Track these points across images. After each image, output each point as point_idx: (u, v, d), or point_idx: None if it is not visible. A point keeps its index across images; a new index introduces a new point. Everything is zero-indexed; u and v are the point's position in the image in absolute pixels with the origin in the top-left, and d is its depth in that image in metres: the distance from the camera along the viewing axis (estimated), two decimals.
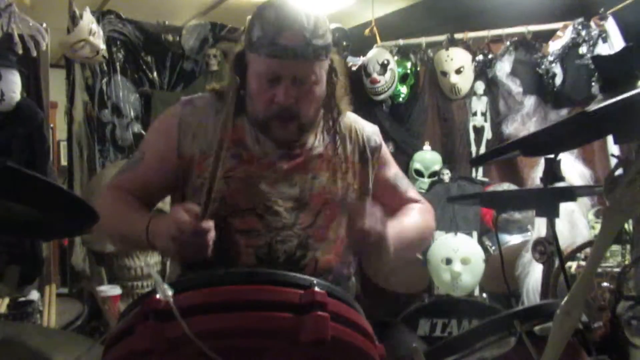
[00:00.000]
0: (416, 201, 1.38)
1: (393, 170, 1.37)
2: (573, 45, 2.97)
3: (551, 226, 1.53)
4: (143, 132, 3.14)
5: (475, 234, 2.70)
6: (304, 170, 1.19)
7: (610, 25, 2.87)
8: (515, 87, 3.14)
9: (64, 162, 3.96)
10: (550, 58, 3.04)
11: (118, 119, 3.12)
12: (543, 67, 3.06)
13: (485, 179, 3.18)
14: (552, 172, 1.14)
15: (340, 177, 1.22)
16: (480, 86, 3.27)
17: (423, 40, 3.43)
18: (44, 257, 2.64)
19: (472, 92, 3.30)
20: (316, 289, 0.68)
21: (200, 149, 1.17)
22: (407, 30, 3.56)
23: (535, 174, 2.67)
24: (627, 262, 1.90)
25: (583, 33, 2.94)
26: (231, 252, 1.11)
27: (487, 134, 3.28)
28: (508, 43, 3.18)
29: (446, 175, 3.02)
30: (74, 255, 2.80)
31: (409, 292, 2.72)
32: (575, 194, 1.42)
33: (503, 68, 3.17)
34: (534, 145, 0.90)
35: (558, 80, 3.01)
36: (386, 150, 1.38)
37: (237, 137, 1.19)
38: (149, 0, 3.64)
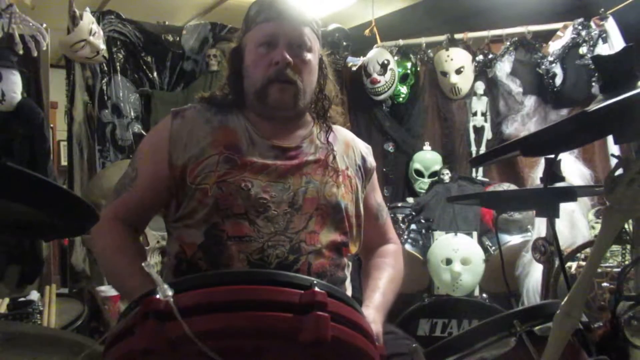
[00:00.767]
0: (389, 241, 1.41)
1: (378, 199, 1.40)
2: (573, 45, 2.97)
3: (551, 226, 1.53)
4: (143, 132, 3.14)
5: (475, 234, 2.70)
6: (298, 173, 1.19)
7: (610, 25, 2.87)
8: (516, 87, 3.14)
9: (64, 162, 3.96)
10: (551, 58, 3.04)
11: (118, 119, 3.12)
12: (543, 67, 3.06)
13: (486, 179, 3.18)
14: (552, 172, 1.14)
15: (335, 184, 1.22)
16: (480, 86, 3.28)
17: (423, 40, 3.43)
18: (44, 257, 2.64)
19: (472, 92, 3.31)
20: (316, 289, 0.69)
21: (192, 156, 1.18)
22: (407, 31, 3.57)
23: (535, 174, 2.68)
24: (627, 262, 1.90)
25: (583, 33, 2.95)
26: (223, 259, 1.11)
27: (487, 134, 3.28)
28: (508, 43, 3.18)
29: (446, 175, 3.02)
30: (74, 255, 2.80)
31: (409, 292, 2.72)
32: (576, 194, 1.42)
33: (503, 68, 3.18)
34: (534, 145, 0.89)
35: (558, 81, 3.01)
36: (376, 177, 1.41)
37: (230, 141, 1.19)
38: (149, 1, 3.65)
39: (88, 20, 2.74)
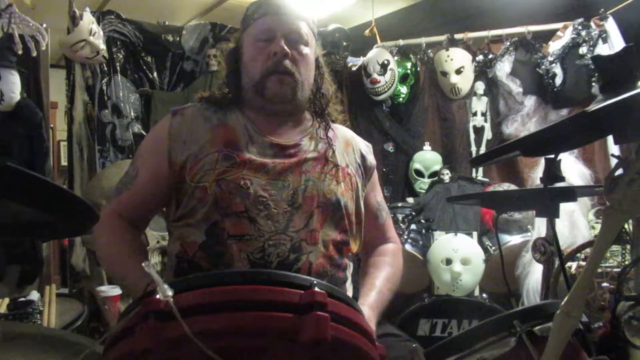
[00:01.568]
0: (388, 240, 1.40)
1: (378, 198, 1.40)
2: (573, 45, 2.97)
3: (551, 226, 1.53)
4: (143, 132, 3.14)
5: (475, 234, 2.70)
6: (297, 171, 1.19)
7: (610, 25, 2.87)
8: (516, 87, 3.14)
9: (64, 162, 3.96)
10: (551, 58, 3.04)
11: (118, 119, 3.12)
12: (543, 67, 3.06)
13: (486, 179, 3.18)
14: (552, 172, 1.13)
15: (335, 182, 1.22)
16: (480, 86, 3.28)
17: (423, 40, 3.43)
18: (44, 257, 2.64)
19: (472, 93, 3.31)
20: (316, 289, 0.68)
21: (191, 153, 1.18)
22: (407, 31, 3.57)
23: (536, 174, 2.68)
24: (627, 263, 1.90)
25: (583, 33, 2.95)
26: (224, 258, 1.11)
27: (487, 134, 3.29)
28: (508, 43, 3.18)
29: (446, 176, 3.02)
30: (74, 256, 2.79)
31: (409, 292, 2.72)
32: (576, 194, 1.42)
33: (503, 68, 3.18)
34: (534, 145, 0.89)
35: (558, 81, 3.01)
36: (376, 175, 1.41)
37: (230, 139, 1.19)
38: (149, 1, 3.65)
39: (88, 20, 2.74)
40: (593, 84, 2.89)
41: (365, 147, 1.38)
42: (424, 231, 2.81)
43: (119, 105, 3.12)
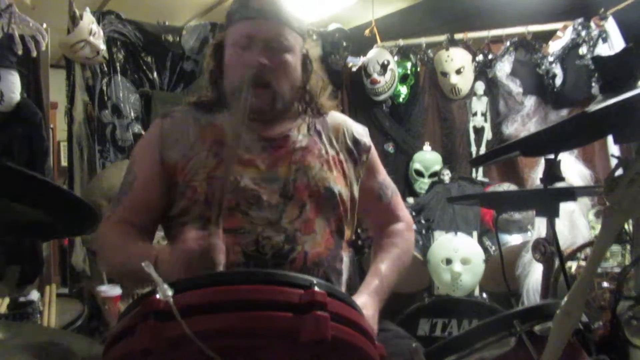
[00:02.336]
0: (397, 219, 1.38)
1: (380, 178, 1.37)
2: (573, 45, 2.97)
3: (551, 226, 1.53)
4: (143, 132, 3.14)
5: (475, 234, 2.70)
6: (287, 162, 1.19)
7: (610, 25, 2.87)
8: (516, 87, 3.14)
9: (64, 162, 3.96)
10: (551, 58, 3.04)
11: (118, 119, 3.12)
12: (543, 67, 3.06)
13: (486, 179, 3.19)
14: (552, 172, 1.13)
15: (327, 170, 1.21)
16: (480, 86, 3.28)
17: (423, 40, 3.43)
18: (44, 257, 2.65)
19: (472, 93, 3.31)
20: (316, 288, 0.68)
21: (182, 154, 1.18)
22: (407, 31, 3.57)
23: (535, 174, 2.68)
24: (627, 263, 1.90)
25: (583, 33, 2.95)
26: None
27: (487, 135, 3.29)
28: (508, 43, 3.18)
29: (446, 176, 3.02)
30: (74, 256, 2.79)
31: (409, 292, 2.72)
32: (576, 194, 1.42)
33: (503, 68, 3.18)
34: (534, 145, 0.90)
35: (558, 81, 3.01)
36: (375, 156, 1.38)
37: (218, 137, 1.20)
38: (149, 1, 3.65)
39: (88, 21, 2.74)
40: (593, 84, 2.89)
41: (359, 130, 1.34)
42: (424, 231, 2.81)
43: (119, 105, 3.11)
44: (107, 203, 1.26)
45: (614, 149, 2.60)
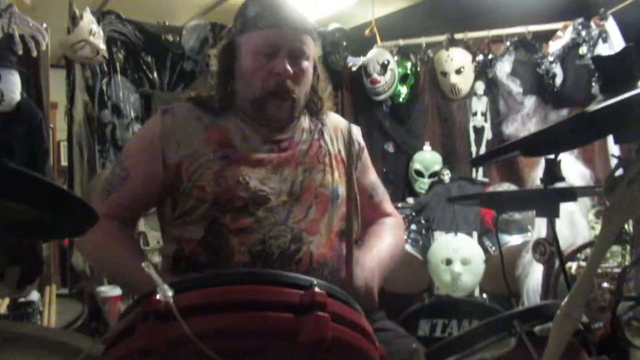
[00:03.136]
0: (388, 214, 1.41)
1: (371, 177, 1.40)
2: (573, 45, 2.97)
3: (551, 226, 1.53)
4: None
5: (475, 234, 2.70)
6: (293, 164, 1.19)
7: (610, 25, 2.87)
8: (516, 87, 3.14)
9: (64, 162, 3.96)
10: (551, 58, 3.04)
11: (118, 119, 3.12)
12: (543, 67, 3.06)
13: (486, 179, 3.19)
14: (553, 172, 1.13)
15: (330, 171, 1.23)
16: (480, 86, 3.28)
17: (423, 40, 3.43)
18: (44, 258, 2.64)
19: (472, 93, 3.31)
20: (316, 289, 0.68)
21: (186, 153, 1.17)
22: (407, 31, 3.57)
23: (536, 174, 2.67)
24: (627, 263, 1.90)
25: (583, 33, 2.95)
26: (225, 252, 1.11)
27: (487, 134, 3.29)
28: (508, 43, 3.18)
29: (446, 176, 3.02)
30: (74, 256, 2.79)
31: (409, 292, 2.72)
32: (576, 195, 1.42)
33: (503, 68, 3.17)
34: (534, 145, 0.89)
35: (558, 81, 3.01)
36: (367, 155, 1.40)
37: (224, 138, 1.19)
38: (149, 1, 3.65)
39: (88, 21, 2.74)
40: (593, 84, 2.89)
41: (354, 129, 1.37)
42: (424, 231, 2.81)
43: (119, 105, 3.11)
44: (95, 201, 1.25)
45: (614, 149, 2.60)
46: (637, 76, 0.78)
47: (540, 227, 2.30)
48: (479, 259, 2.55)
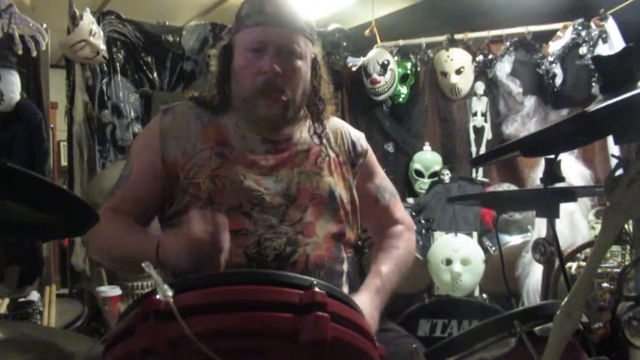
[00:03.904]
0: (396, 221, 1.38)
1: (377, 181, 1.37)
2: (573, 45, 2.97)
3: (551, 227, 1.53)
4: None
5: (475, 234, 2.70)
6: (290, 165, 1.19)
7: (610, 25, 2.88)
8: (516, 87, 3.14)
9: (64, 162, 3.96)
10: (551, 58, 3.04)
11: (118, 119, 3.12)
12: (543, 67, 3.06)
13: (486, 180, 3.19)
14: (553, 172, 1.13)
15: (328, 174, 1.22)
16: (480, 86, 3.28)
17: (423, 40, 3.43)
18: (44, 258, 2.64)
19: (472, 93, 3.31)
20: (316, 289, 0.68)
21: (184, 150, 1.18)
22: (407, 31, 3.57)
23: (536, 174, 2.68)
24: (627, 263, 1.90)
25: (583, 33, 2.95)
26: None
27: (487, 135, 3.29)
28: (508, 43, 3.18)
29: (446, 176, 3.02)
30: (74, 256, 2.79)
31: (409, 292, 2.72)
32: (576, 195, 1.42)
33: (503, 68, 3.18)
34: (534, 145, 0.89)
35: (558, 81, 3.01)
36: (373, 159, 1.38)
37: (221, 136, 1.19)
38: (149, 1, 3.65)
39: (88, 21, 2.74)
40: (593, 84, 2.89)
41: (355, 133, 1.36)
42: (424, 231, 2.81)
43: (119, 105, 3.11)
44: (102, 205, 1.25)
45: (614, 149, 2.59)
46: (637, 76, 0.78)
47: (540, 227, 2.30)
48: (479, 259, 2.55)
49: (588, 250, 2.02)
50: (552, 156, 1.08)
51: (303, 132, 1.26)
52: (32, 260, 2.55)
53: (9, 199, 0.58)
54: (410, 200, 3.25)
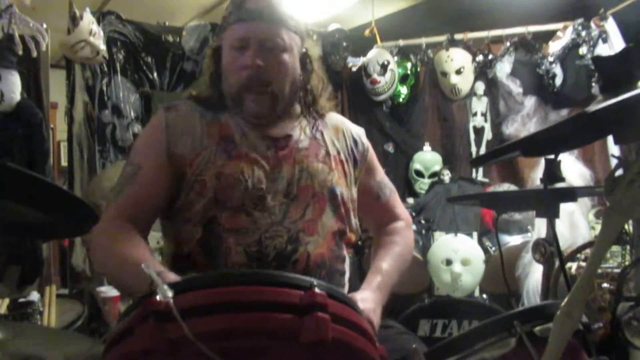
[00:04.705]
0: (396, 217, 1.39)
1: (377, 177, 1.38)
2: (573, 45, 2.98)
3: (551, 227, 1.53)
4: None
5: (475, 234, 2.70)
6: (290, 163, 1.19)
7: (610, 25, 2.88)
8: (516, 87, 3.14)
9: (64, 162, 3.96)
10: (551, 59, 3.04)
11: (118, 119, 3.11)
12: (543, 67, 3.06)
13: (486, 180, 3.19)
14: (552, 172, 1.13)
15: (328, 171, 1.22)
16: (480, 87, 3.28)
17: (423, 40, 3.44)
18: (44, 258, 2.64)
19: (472, 93, 3.31)
20: (316, 290, 0.68)
21: (191, 147, 1.17)
22: (407, 31, 3.57)
23: (535, 174, 2.67)
24: (627, 263, 1.90)
25: (583, 34, 2.95)
26: (221, 252, 1.11)
27: (487, 135, 3.29)
28: (508, 43, 3.18)
29: (446, 176, 3.02)
30: (74, 256, 2.79)
31: (409, 292, 2.72)
32: (576, 195, 1.42)
33: (503, 68, 3.18)
34: (534, 145, 0.89)
35: (558, 81, 3.01)
36: (373, 156, 1.38)
37: (225, 133, 1.20)
38: (149, 1, 3.64)
39: (88, 21, 2.74)
40: (593, 84, 2.89)
41: (357, 130, 1.36)
42: (424, 232, 2.81)
43: (119, 105, 3.11)
44: (107, 206, 1.23)
45: (614, 149, 2.60)
46: (637, 76, 0.78)
47: (540, 227, 2.30)
48: (479, 260, 2.55)
49: (588, 250, 2.02)
50: (552, 156, 1.08)
51: (303, 130, 1.26)
52: (32, 260, 2.55)
53: (9, 199, 0.58)
54: (410, 200, 3.25)
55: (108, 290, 2.31)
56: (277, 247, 1.11)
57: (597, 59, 0.84)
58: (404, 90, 3.47)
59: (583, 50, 2.94)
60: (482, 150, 3.28)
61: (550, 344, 0.81)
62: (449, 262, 2.55)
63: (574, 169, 2.42)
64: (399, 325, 1.29)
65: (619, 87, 0.76)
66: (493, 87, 3.25)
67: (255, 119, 1.20)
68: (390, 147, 3.50)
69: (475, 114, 3.30)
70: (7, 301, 2.03)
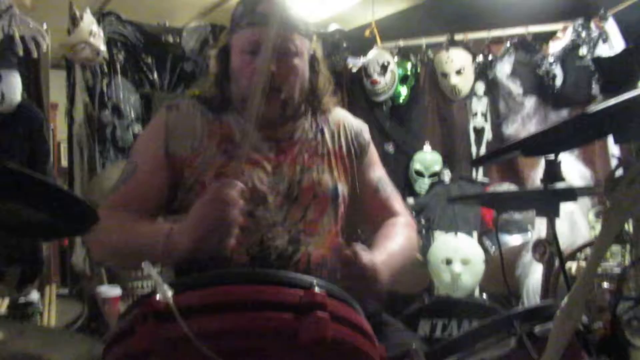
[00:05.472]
0: (397, 214, 1.34)
1: (378, 173, 1.35)
2: (573, 46, 2.98)
3: (551, 226, 1.53)
4: None
5: (475, 234, 2.71)
6: (292, 163, 1.19)
7: (611, 26, 2.88)
8: (516, 88, 3.14)
9: (64, 163, 3.96)
10: (551, 59, 3.04)
11: (118, 119, 3.12)
12: (543, 68, 3.06)
13: (486, 180, 3.19)
14: (553, 172, 1.13)
15: (329, 170, 1.22)
16: (480, 87, 3.28)
17: (423, 41, 3.44)
18: (44, 258, 2.64)
19: (472, 93, 3.31)
20: (316, 289, 0.68)
21: (191, 148, 1.17)
22: (407, 32, 3.57)
23: (536, 174, 2.67)
24: (627, 263, 1.90)
25: (583, 34, 2.95)
26: (222, 253, 1.11)
27: (488, 135, 3.29)
28: (508, 44, 3.18)
29: (446, 176, 3.02)
30: (74, 256, 2.79)
31: (409, 292, 2.72)
32: (576, 194, 1.42)
33: (503, 69, 3.18)
34: (534, 145, 0.90)
35: (558, 81, 3.01)
36: (374, 151, 1.37)
37: (226, 133, 1.19)
38: (149, 2, 3.65)
39: (88, 22, 2.75)
40: (593, 84, 2.89)
41: (358, 125, 1.34)
42: (424, 231, 2.81)
43: (119, 106, 3.12)
44: (103, 202, 1.23)
45: (614, 149, 2.60)
46: (637, 76, 0.78)
47: (540, 227, 2.30)
48: (479, 259, 2.55)
49: (588, 250, 2.02)
50: (552, 156, 1.08)
51: (305, 129, 1.25)
52: (32, 260, 2.55)
53: (9, 199, 0.58)
54: (410, 200, 3.25)
55: (108, 290, 2.32)
56: (279, 247, 1.12)
57: (598, 60, 0.84)
58: (404, 90, 3.47)
59: (583, 50, 2.94)
60: (482, 151, 3.29)
61: (550, 344, 0.81)
62: (449, 262, 2.55)
63: (574, 169, 2.43)
64: (397, 321, 1.28)
65: (619, 88, 0.76)
66: (493, 88, 3.26)
67: (264, 121, 1.20)
68: (390, 147, 3.50)
69: (475, 115, 3.30)
70: (7, 301, 2.03)
